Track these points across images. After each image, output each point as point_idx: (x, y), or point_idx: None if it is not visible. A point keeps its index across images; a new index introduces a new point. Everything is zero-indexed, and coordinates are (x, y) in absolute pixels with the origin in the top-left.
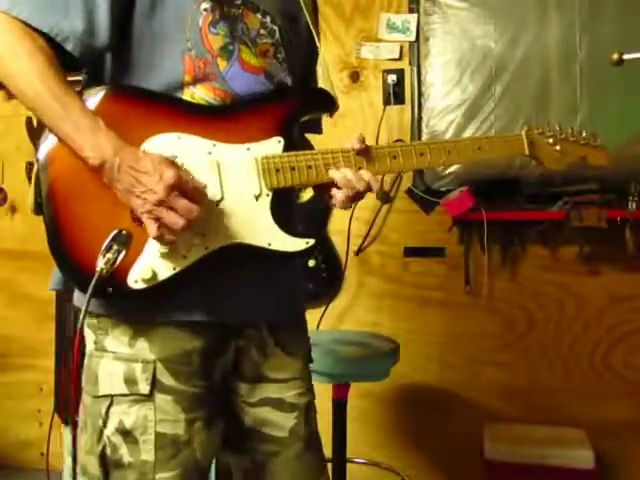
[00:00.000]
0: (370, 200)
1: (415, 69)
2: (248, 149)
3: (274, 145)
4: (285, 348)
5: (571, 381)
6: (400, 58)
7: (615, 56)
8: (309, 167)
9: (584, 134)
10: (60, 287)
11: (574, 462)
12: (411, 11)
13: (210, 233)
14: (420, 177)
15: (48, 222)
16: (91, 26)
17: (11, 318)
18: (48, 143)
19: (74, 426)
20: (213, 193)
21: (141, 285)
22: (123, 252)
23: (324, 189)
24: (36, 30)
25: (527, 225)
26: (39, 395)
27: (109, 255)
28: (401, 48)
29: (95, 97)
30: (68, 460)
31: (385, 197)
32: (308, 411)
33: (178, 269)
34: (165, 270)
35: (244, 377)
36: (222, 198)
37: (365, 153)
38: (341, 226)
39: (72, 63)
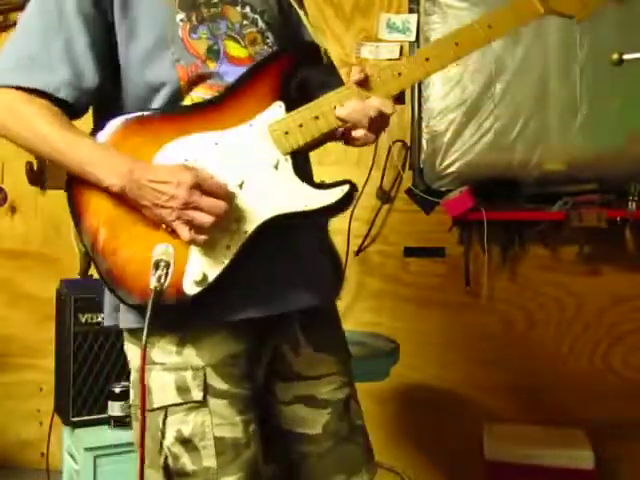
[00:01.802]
0: (370, 200)
1: None
2: (251, 125)
3: (276, 111)
4: (316, 344)
5: (571, 381)
6: (400, 58)
7: (615, 56)
8: (316, 117)
9: None
10: (114, 321)
11: (574, 462)
12: (411, 11)
13: (244, 218)
14: (420, 177)
15: (98, 265)
16: (77, 71)
17: (11, 318)
18: (73, 194)
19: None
20: (233, 179)
21: (196, 289)
22: (171, 265)
23: (349, 136)
24: (30, 91)
25: (527, 225)
26: (39, 395)
27: (159, 272)
28: (401, 48)
29: (101, 134)
30: (67, 460)
31: (385, 197)
32: (346, 405)
33: (226, 262)
34: (215, 268)
35: (279, 376)
36: (243, 182)
37: (367, 82)
38: (341, 226)
39: (76, 111)
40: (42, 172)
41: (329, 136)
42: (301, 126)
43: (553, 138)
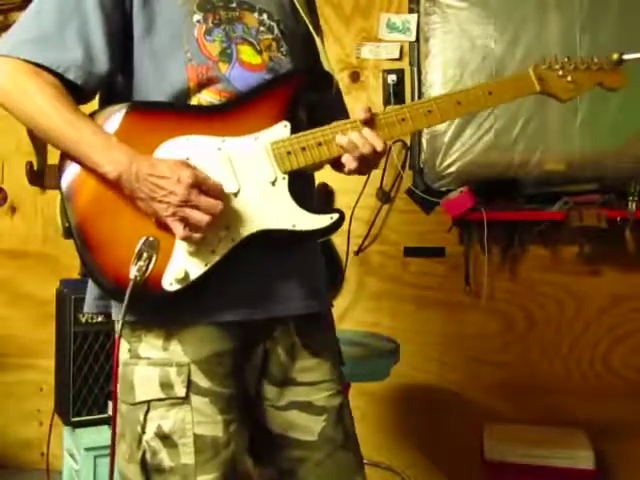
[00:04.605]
0: (370, 200)
1: (415, 69)
2: (256, 138)
3: (281, 130)
4: (312, 350)
5: (571, 381)
6: (400, 58)
7: (615, 56)
8: (319, 144)
9: (596, 59)
10: (95, 309)
11: (574, 462)
12: (411, 11)
13: (234, 225)
14: (420, 177)
15: (79, 245)
16: (89, 54)
17: (11, 318)
18: (68, 170)
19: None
20: (229, 186)
21: (176, 286)
22: (154, 257)
23: (339, 163)
24: (39, 67)
25: (527, 225)
26: (39, 395)
27: (141, 262)
28: (401, 48)
29: (106, 118)
30: (67, 460)
31: (385, 197)
32: (340, 413)
33: (209, 265)
34: (197, 268)
35: (272, 380)
36: (239, 190)
37: (372, 122)
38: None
39: (83, 95)
40: (42, 172)
41: (326, 163)
42: (304, 149)
43: (553, 138)
